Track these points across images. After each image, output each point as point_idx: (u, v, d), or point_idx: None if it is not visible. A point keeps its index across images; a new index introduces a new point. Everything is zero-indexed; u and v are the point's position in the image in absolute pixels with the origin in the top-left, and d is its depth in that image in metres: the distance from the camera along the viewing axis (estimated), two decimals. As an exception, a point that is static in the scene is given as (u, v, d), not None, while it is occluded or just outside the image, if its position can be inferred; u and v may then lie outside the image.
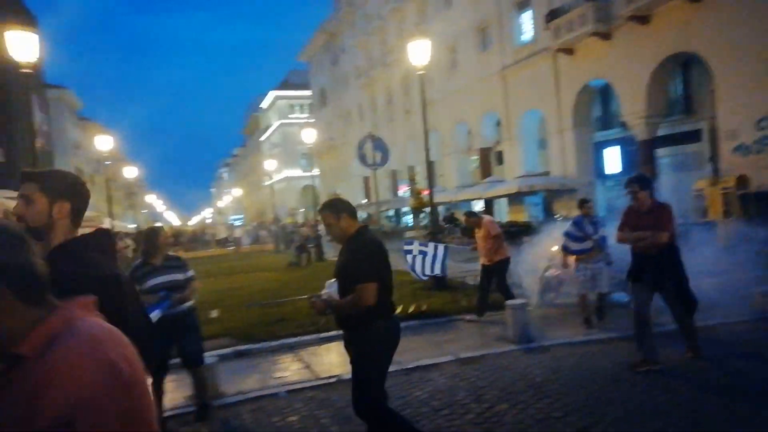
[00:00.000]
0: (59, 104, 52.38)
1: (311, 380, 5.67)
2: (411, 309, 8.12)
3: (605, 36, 19.47)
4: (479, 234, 8.00)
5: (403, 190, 39.36)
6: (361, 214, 46.09)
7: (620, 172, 22.03)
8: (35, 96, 43.09)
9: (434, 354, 6.30)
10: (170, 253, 4.78)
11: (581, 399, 4.55)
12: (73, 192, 1.90)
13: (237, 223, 74.73)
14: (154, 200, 41.00)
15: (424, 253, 8.82)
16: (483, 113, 28.14)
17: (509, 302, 6.83)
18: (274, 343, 7.01)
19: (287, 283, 13.16)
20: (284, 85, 70.66)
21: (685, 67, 19.79)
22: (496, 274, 7.83)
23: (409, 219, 39.68)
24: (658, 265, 4.91)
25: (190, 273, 4.63)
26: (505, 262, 7.94)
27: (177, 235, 29.76)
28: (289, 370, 6.17)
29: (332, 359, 6.43)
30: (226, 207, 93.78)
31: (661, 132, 19.80)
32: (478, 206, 31.95)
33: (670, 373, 4.97)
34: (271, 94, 70.71)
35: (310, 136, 20.59)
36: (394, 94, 38.14)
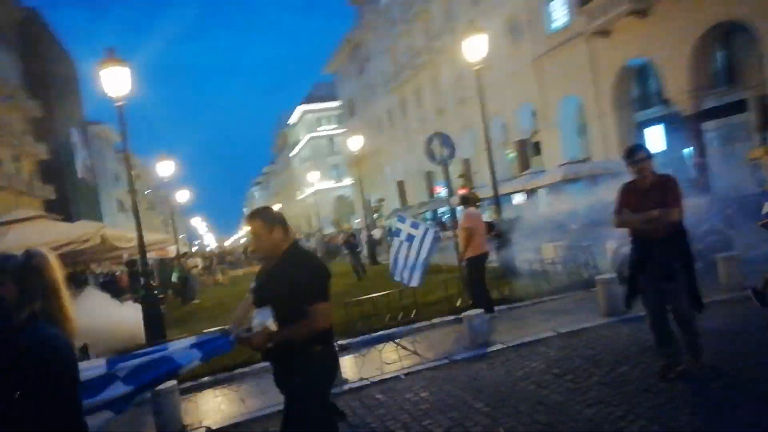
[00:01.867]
0: (98, 139, 54.58)
1: (424, 363, 5.97)
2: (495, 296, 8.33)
3: (643, 13, 19.34)
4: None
5: (439, 191, 39.56)
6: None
7: (665, 151, 21.78)
8: (79, 133, 44.99)
9: (533, 332, 6.51)
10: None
11: (706, 357, 4.71)
12: None
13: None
14: (197, 223, 42.16)
15: (411, 238, 7.54)
16: (518, 105, 28.17)
17: (599, 278, 7.00)
18: (373, 336, 7.35)
19: (355, 285, 13.55)
20: (310, 99, 71.90)
21: (726, 37, 19.50)
22: (469, 269, 7.54)
23: (448, 220, 39.77)
24: (666, 251, 4.15)
25: None
26: (476, 258, 7.47)
27: (224, 254, 30.61)
28: (398, 356, 6.48)
29: (435, 345, 6.71)
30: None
31: (706, 105, 19.54)
32: (518, 199, 31.96)
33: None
34: (299, 109, 71.94)
35: (355, 143, 20.95)
36: (425, 96, 38.44)
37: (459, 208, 8.99)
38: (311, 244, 40.01)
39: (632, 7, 19.24)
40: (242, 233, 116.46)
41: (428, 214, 40.32)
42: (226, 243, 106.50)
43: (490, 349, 6.03)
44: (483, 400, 4.59)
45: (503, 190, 28.41)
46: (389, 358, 6.42)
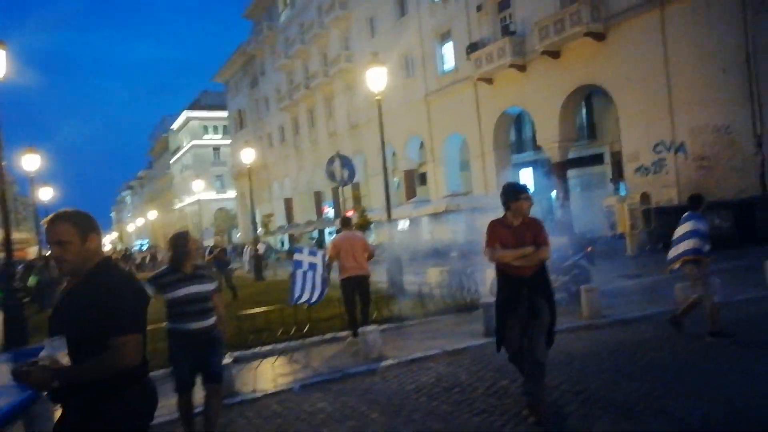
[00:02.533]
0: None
1: (319, 376, 6.08)
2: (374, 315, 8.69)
3: (521, 68, 21.43)
4: None
5: (327, 211, 39.84)
6: (283, 236, 45.91)
7: (533, 192, 24.03)
8: None
9: (421, 349, 6.91)
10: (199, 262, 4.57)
11: (568, 374, 5.38)
12: None
13: (144, 247, 71.43)
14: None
15: (313, 267, 7.71)
16: (407, 136, 29.47)
17: (483, 300, 7.62)
18: (266, 348, 7.31)
19: (243, 299, 13.22)
20: (195, 106, 69.14)
21: (589, 97, 22.24)
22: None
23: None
24: (533, 289, 4.29)
25: (216, 284, 4.49)
26: (342, 282, 7.59)
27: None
28: (291, 369, 6.52)
29: (328, 359, 6.84)
30: (135, 231, 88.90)
31: (570, 155, 21.98)
32: (403, 225, 33.23)
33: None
34: (184, 114, 68.73)
35: (247, 156, 20.53)
36: (318, 117, 38.75)
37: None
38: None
39: (512, 60, 21.27)
40: (109, 239, 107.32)
41: (315, 233, 40.29)
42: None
43: (382, 364, 6.30)
44: (378, 410, 4.83)
45: (391, 215, 29.60)
46: (283, 371, 6.44)
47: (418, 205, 27.03)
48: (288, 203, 45.14)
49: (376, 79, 10.98)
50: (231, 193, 62.81)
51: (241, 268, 26.06)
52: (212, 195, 66.30)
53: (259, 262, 19.31)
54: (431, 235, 29.62)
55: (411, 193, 29.95)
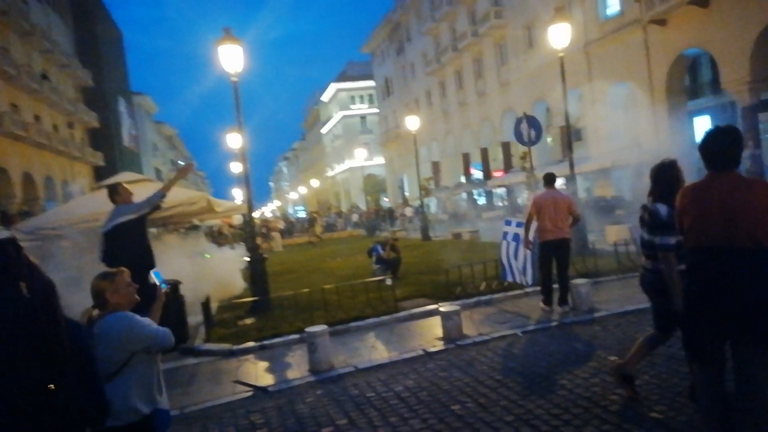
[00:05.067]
0: (140, 109, 55.75)
1: (537, 323, 6.53)
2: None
3: (703, 4, 19.30)
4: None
5: (474, 173, 39.87)
6: (431, 199, 46.81)
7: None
8: (125, 102, 46.04)
9: (631, 303, 6.96)
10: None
11: None
12: None
13: (300, 214, 77.46)
14: (237, 194, 43.81)
15: (517, 238, 7.43)
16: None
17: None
18: (470, 300, 7.92)
19: (425, 253, 14.21)
20: (343, 77, 72.15)
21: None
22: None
23: (483, 201, 39.98)
24: None
25: None
26: (540, 245, 7.09)
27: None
28: (504, 318, 7.04)
29: (534, 311, 7.24)
30: (297, 199, 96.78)
31: (763, 97, 19.51)
32: (560, 183, 32.24)
33: None
34: (332, 87, 72.24)
35: (413, 123, 21.13)
36: (466, 78, 38.51)
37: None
38: (341, 220, 40.75)
39: (695, -4, 19.20)
40: (270, 207, 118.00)
41: (463, 195, 40.68)
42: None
43: (596, 315, 6.56)
44: (614, 354, 5.11)
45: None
46: (498, 320, 6.98)
47: (578, 161, 25.98)
48: (435, 167, 45.88)
49: (560, 35, 10.76)
50: (377, 160, 65.21)
51: (403, 230, 27.34)
52: (361, 162, 69.44)
53: (426, 223, 20.19)
54: (587, 193, 28.41)
55: (566, 150, 28.80)
